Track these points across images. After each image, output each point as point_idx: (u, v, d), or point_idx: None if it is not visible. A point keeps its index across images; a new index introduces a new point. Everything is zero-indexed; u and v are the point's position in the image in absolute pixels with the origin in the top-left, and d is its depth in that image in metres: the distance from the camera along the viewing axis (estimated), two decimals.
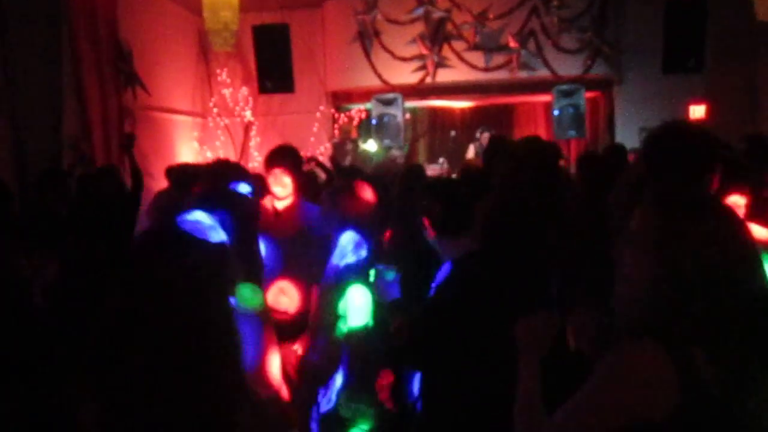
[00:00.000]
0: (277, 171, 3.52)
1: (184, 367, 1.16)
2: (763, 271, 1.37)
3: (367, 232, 2.92)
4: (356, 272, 2.78)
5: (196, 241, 1.41)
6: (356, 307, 2.75)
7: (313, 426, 2.90)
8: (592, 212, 2.68)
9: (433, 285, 2.33)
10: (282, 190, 3.55)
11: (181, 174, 4.94)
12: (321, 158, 8.20)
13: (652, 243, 1.32)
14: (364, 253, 2.85)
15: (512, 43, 8.47)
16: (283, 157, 3.59)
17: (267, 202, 3.61)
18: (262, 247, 3.41)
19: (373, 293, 2.66)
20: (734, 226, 1.34)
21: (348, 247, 2.87)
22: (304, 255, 3.42)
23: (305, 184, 5.52)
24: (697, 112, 8.64)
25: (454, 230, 2.31)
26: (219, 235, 1.59)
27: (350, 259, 2.85)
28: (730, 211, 1.38)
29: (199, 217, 1.64)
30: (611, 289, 1.40)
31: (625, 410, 1.27)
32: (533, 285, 2.23)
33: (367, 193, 3.04)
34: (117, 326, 1.18)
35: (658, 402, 1.25)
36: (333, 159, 6.22)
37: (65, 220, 4.08)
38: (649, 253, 1.33)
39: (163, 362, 1.15)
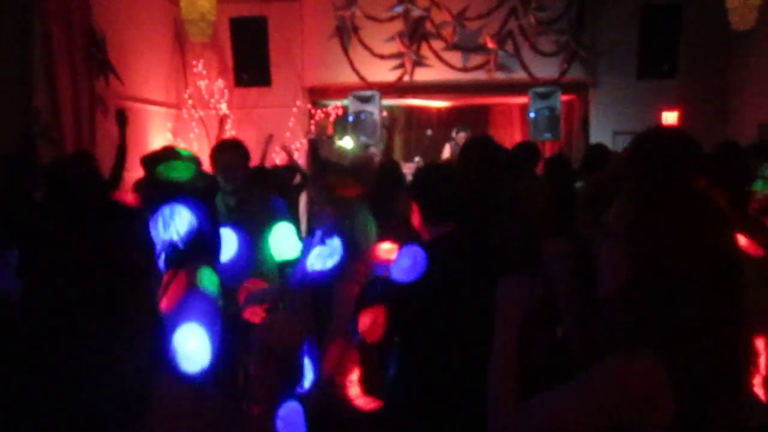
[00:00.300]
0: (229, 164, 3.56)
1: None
2: (739, 276, 1.31)
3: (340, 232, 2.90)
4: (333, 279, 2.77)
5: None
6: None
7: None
8: (560, 211, 2.84)
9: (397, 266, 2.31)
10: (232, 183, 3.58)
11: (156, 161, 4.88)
12: (296, 154, 8.19)
13: (628, 239, 1.30)
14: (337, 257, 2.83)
15: (490, 44, 8.50)
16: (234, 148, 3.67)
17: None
18: (233, 239, 3.38)
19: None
20: (717, 225, 1.29)
21: (334, 252, 2.84)
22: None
23: (271, 178, 5.51)
24: (670, 117, 8.78)
25: (438, 216, 2.34)
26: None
27: (327, 264, 2.82)
28: (715, 208, 1.32)
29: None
30: None
31: (610, 411, 1.22)
32: (497, 258, 2.31)
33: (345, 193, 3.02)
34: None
35: (653, 415, 1.21)
36: (314, 153, 6.16)
37: (38, 205, 3.97)
38: (625, 249, 1.30)
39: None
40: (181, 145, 8.37)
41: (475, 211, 2.60)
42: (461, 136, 8.95)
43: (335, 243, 2.79)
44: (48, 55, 5.92)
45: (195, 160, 3.13)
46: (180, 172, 2.27)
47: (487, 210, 2.78)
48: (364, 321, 2.31)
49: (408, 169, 8.52)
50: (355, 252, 2.74)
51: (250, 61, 8.83)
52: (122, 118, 5.15)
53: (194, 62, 8.80)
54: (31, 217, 3.68)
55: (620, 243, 1.32)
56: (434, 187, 2.38)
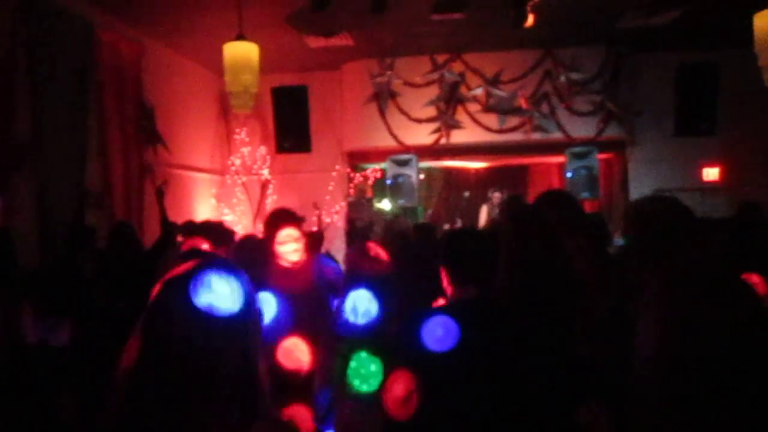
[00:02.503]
0: (287, 229, 3.59)
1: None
2: None
3: (379, 291, 2.92)
4: (365, 335, 2.79)
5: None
6: (363, 374, 2.74)
7: None
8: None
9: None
10: (293, 248, 3.60)
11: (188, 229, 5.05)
12: (335, 216, 8.32)
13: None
14: (374, 312, 2.85)
15: (525, 106, 8.61)
16: (288, 216, 3.70)
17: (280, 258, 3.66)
18: (274, 303, 3.44)
19: (381, 360, 2.66)
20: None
21: (360, 304, 2.88)
22: (317, 312, 3.43)
23: (315, 242, 5.59)
24: (711, 174, 8.69)
25: (462, 280, 2.33)
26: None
27: (360, 319, 2.85)
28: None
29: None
30: None
31: None
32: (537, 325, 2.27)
33: (379, 253, 3.07)
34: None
35: None
36: (350, 217, 6.28)
37: (90, 278, 4.13)
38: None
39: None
40: (225, 212, 8.60)
41: (511, 275, 2.56)
42: (496, 197, 9.00)
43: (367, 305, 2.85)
44: (101, 127, 6.23)
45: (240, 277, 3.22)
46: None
47: (525, 274, 2.69)
48: (395, 393, 2.21)
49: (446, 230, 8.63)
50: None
51: (291, 128, 9.11)
52: (160, 193, 5.31)
53: (238, 130, 9.12)
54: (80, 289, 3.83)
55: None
56: (460, 251, 2.37)
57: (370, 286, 2.93)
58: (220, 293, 1.38)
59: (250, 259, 3.68)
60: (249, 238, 4.28)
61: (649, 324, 1.99)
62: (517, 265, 2.66)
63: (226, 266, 1.43)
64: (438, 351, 2.17)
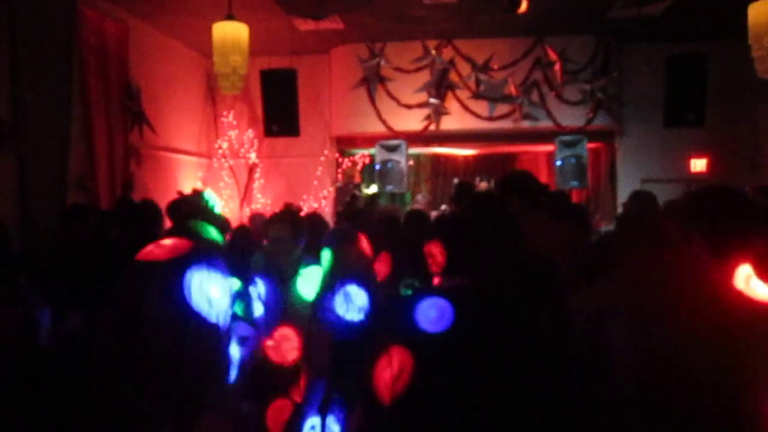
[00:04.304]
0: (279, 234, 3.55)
1: None
2: None
3: (367, 285, 2.90)
4: (358, 332, 2.76)
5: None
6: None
7: None
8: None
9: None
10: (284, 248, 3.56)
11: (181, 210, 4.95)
12: (323, 201, 8.28)
13: None
14: (365, 306, 2.82)
15: (515, 93, 8.58)
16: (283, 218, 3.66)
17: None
18: (263, 289, 3.41)
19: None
20: None
21: (355, 300, 2.84)
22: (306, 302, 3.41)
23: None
24: (698, 165, 8.72)
25: (454, 270, 2.31)
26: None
27: (353, 315, 2.82)
28: None
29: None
30: None
31: None
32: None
33: (366, 245, 3.04)
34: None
35: None
36: (344, 204, 6.24)
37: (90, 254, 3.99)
38: None
39: None
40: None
41: (494, 264, 2.56)
42: (482, 186, 8.98)
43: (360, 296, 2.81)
44: (85, 108, 6.13)
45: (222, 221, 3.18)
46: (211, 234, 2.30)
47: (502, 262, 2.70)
48: (385, 373, 2.23)
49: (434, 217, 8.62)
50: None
51: (280, 111, 9.01)
52: (128, 186, 5.24)
53: (225, 113, 9.03)
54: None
55: None
56: (456, 238, 2.36)
57: (359, 281, 2.89)
58: (203, 289, 1.35)
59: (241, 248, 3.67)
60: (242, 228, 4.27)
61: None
62: (491, 254, 2.67)
63: (211, 258, 1.41)
64: (431, 332, 2.17)
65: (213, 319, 1.35)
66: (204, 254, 1.40)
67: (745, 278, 1.92)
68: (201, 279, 1.36)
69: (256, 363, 2.78)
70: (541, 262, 2.80)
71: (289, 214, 3.85)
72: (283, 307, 3.47)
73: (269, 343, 3.07)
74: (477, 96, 8.65)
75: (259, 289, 3.41)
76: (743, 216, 2.02)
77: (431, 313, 2.22)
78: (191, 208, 4.80)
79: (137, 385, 1.26)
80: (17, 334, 2.73)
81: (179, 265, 1.35)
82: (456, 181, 11.21)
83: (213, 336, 1.36)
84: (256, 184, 9.00)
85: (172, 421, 1.28)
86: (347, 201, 8.04)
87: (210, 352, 1.35)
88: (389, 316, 2.45)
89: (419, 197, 8.94)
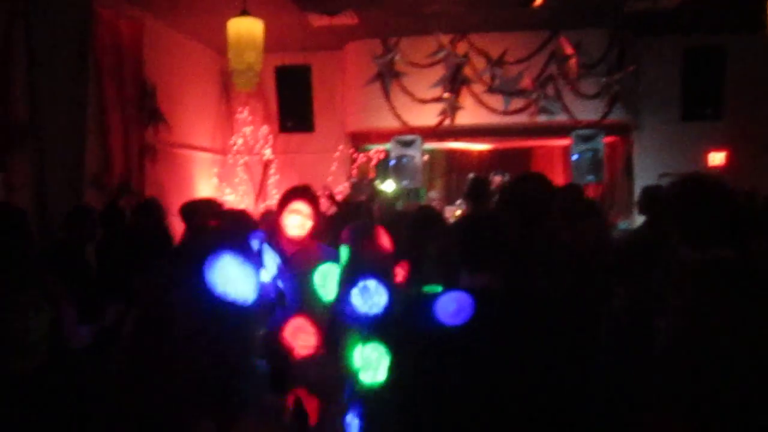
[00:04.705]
0: (297, 204, 3.51)
1: None
2: None
3: (385, 280, 2.88)
4: (375, 326, 2.75)
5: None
6: (370, 365, 2.71)
7: None
8: None
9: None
10: (301, 223, 3.52)
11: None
12: (338, 197, 8.26)
13: None
14: (384, 302, 2.81)
15: (531, 88, 8.52)
16: (303, 192, 3.61)
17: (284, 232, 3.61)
18: (280, 283, 3.40)
19: (388, 350, 2.62)
20: None
21: (372, 295, 2.82)
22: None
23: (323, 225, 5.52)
24: (717, 159, 8.62)
25: (474, 266, 2.28)
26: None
27: (370, 308, 2.80)
28: None
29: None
30: None
31: None
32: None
33: (385, 240, 3.02)
34: None
35: None
36: (347, 196, 6.22)
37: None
38: None
39: None
40: (227, 192, 8.58)
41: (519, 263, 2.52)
42: (497, 180, 8.92)
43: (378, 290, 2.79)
44: (101, 106, 6.18)
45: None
46: None
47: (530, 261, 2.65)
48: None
49: (449, 213, 8.59)
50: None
51: (294, 107, 9.04)
52: (124, 189, 5.35)
53: (240, 109, 9.05)
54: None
55: None
56: (478, 237, 2.33)
57: (377, 275, 2.87)
58: (235, 281, 1.36)
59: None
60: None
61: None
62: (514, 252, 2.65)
63: (243, 252, 1.42)
64: (450, 325, 2.15)
65: (240, 303, 1.35)
66: (232, 242, 1.41)
67: None
68: (227, 265, 1.36)
69: (275, 353, 2.79)
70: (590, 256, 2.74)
71: (307, 188, 3.79)
72: (300, 301, 3.48)
73: (288, 329, 3.07)
74: (492, 90, 8.60)
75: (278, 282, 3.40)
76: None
77: (451, 306, 2.21)
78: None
79: (168, 378, 1.26)
80: (48, 335, 2.75)
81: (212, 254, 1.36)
82: (471, 176, 11.18)
83: (244, 322, 1.36)
84: (270, 180, 9.02)
85: (211, 415, 1.28)
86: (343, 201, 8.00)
87: (242, 341, 1.35)
88: (408, 310, 2.45)
89: (432, 194, 8.93)
